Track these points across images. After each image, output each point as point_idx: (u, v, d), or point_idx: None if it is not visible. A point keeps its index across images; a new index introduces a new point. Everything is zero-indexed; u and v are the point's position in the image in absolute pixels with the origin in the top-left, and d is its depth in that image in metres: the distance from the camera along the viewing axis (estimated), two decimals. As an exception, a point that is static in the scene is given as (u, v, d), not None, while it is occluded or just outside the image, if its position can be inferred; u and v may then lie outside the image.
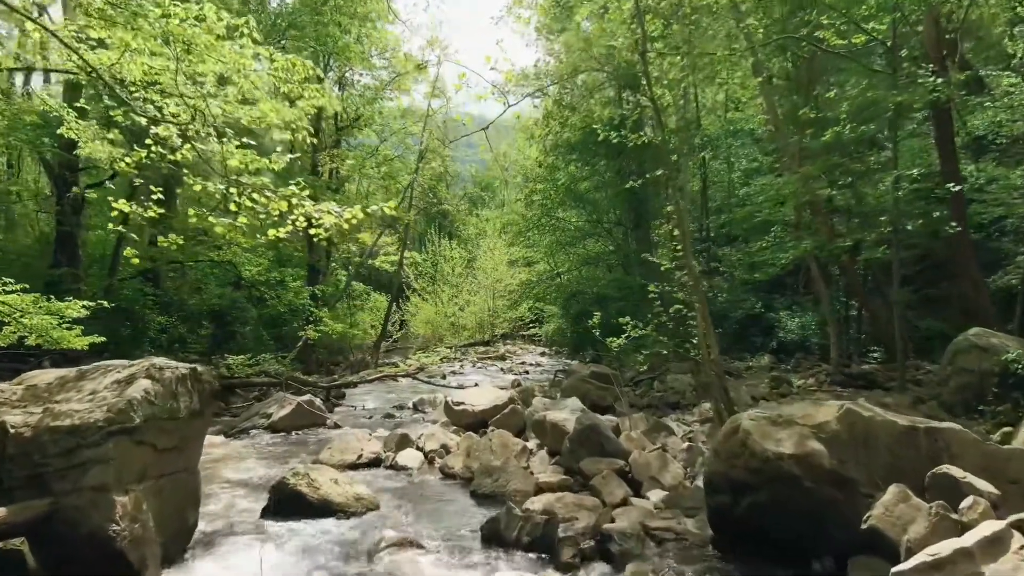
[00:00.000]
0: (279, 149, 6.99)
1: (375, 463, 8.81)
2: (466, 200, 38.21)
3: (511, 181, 29.28)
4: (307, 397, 11.60)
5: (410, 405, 15.09)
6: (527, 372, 21.94)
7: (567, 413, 8.79)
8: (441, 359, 20.03)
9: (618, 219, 18.99)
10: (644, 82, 8.13)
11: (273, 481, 7.27)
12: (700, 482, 6.92)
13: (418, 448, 9.30)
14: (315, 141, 24.63)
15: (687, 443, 8.24)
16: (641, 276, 16.54)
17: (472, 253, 33.83)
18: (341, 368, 22.65)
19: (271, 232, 6.02)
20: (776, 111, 12.98)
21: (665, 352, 9.60)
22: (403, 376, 17.01)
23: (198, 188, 5.96)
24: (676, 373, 13.28)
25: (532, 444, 9.26)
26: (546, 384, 18.31)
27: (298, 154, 23.23)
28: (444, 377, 20.24)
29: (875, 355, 13.89)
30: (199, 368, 6.34)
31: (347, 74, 25.08)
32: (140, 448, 5.45)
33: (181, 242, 7.11)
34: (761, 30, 9.36)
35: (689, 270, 7.53)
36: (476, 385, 18.32)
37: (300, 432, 11.01)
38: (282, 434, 10.92)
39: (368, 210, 5.75)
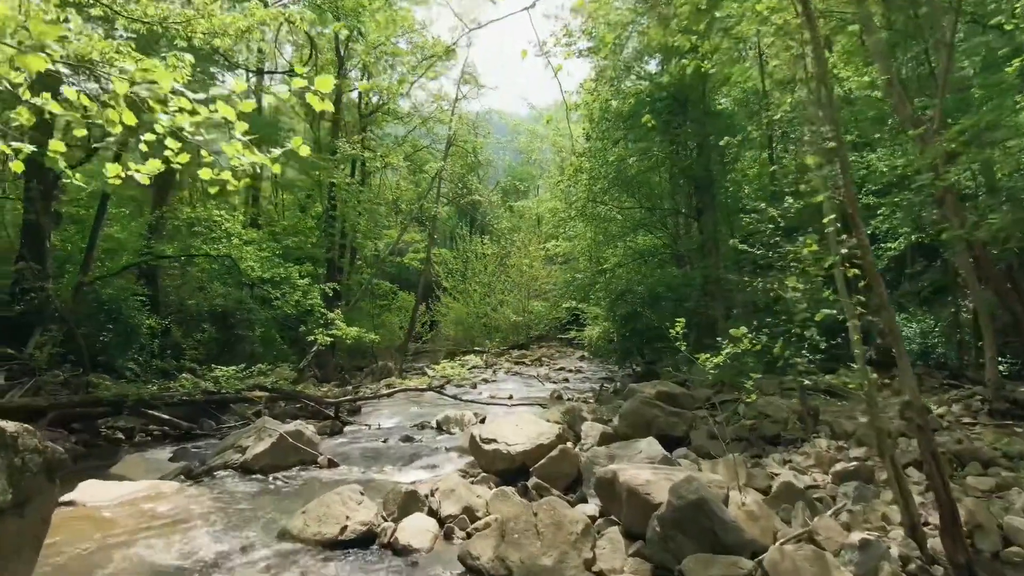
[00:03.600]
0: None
1: (366, 540, 5.74)
2: (499, 191, 34.92)
3: (547, 173, 26.06)
4: (293, 426, 8.59)
5: (433, 424, 12.21)
6: (567, 380, 18.82)
7: (647, 471, 5.63)
8: (469, 369, 16.94)
9: (676, 206, 15.68)
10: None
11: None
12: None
13: (430, 512, 6.22)
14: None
15: (848, 529, 5.00)
16: (705, 272, 13.27)
17: (506, 249, 30.63)
18: (362, 375, 19.75)
19: (111, 169, 3.02)
20: (890, 68, 9.62)
21: (809, 383, 6.47)
22: (426, 390, 13.95)
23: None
24: (765, 394, 10.02)
25: (592, 507, 6.13)
26: (590, 396, 15.22)
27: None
28: (474, 386, 17.24)
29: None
30: (11, 428, 3.34)
31: (371, 58, 22.06)
32: None
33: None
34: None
35: (865, 264, 4.35)
36: (510, 397, 15.31)
37: (281, 474, 8.02)
38: (257, 476, 7.94)
39: (282, 92, 2.82)
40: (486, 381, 18.55)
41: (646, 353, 16.93)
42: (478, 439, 7.50)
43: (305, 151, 3.35)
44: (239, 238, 13.89)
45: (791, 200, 8.33)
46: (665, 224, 16.07)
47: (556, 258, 25.82)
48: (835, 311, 5.04)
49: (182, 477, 7.97)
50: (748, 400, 6.21)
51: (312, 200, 23.02)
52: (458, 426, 11.77)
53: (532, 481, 6.70)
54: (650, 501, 5.13)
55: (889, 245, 10.72)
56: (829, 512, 5.32)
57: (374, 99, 24.49)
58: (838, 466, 6.91)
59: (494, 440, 7.37)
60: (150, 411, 10.77)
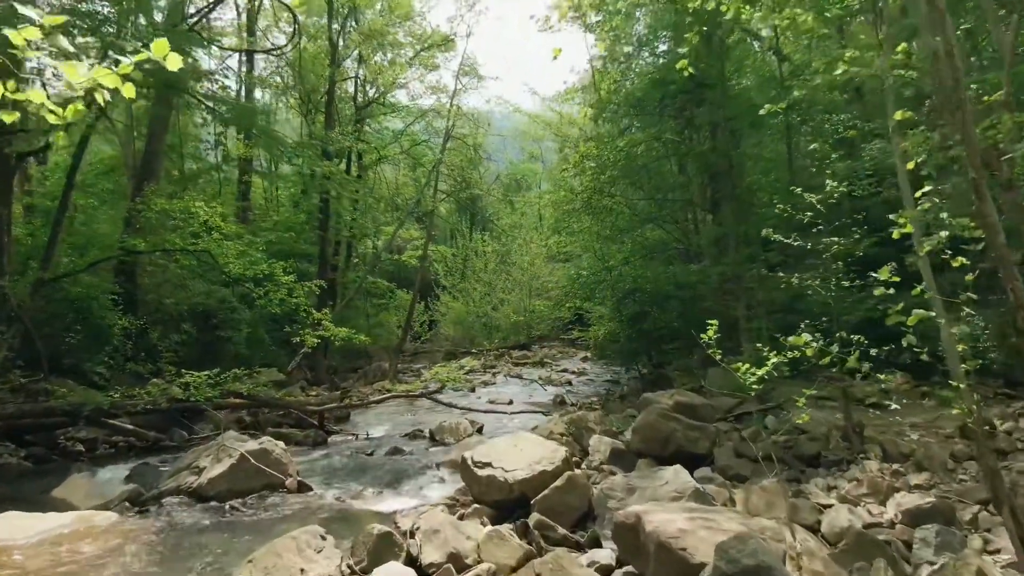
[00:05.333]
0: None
1: (325, 601, 4.46)
2: (500, 184, 33.47)
3: (551, 165, 24.69)
4: (258, 444, 7.28)
5: (426, 433, 11.03)
6: (570, 383, 17.54)
7: (680, 515, 4.34)
8: (466, 373, 15.68)
9: (689, 197, 14.32)
10: None
11: None
12: None
13: (408, 559, 4.94)
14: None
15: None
16: (725, 268, 11.96)
17: (506, 246, 29.29)
18: (355, 378, 18.47)
19: None
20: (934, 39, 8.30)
21: (889, 401, 5.18)
22: (419, 396, 12.68)
23: None
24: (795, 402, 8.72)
25: (606, 554, 4.86)
26: (596, 401, 13.94)
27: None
28: (473, 390, 15.96)
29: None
30: None
31: (368, 49, 20.74)
32: None
33: None
34: None
35: (997, 250, 3.10)
36: (510, 403, 14.04)
37: (241, 501, 6.72)
38: (212, 504, 6.65)
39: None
40: (485, 384, 17.28)
41: (654, 355, 15.65)
42: (470, 462, 6.21)
43: (175, 63, 2.09)
44: (219, 232, 12.62)
45: (833, 184, 7.09)
46: (676, 217, 14.73)
47: (559, 255, 24.51)
48: (932, 312, 3.75)
49: (126, 504, 6.72)
50: (799, 420, 4.91)
51: (307, 195, 21.75)
52: (452, 436, 10.62)
53: (534, 518, 5.40)
54: (688, 560, 3.85)
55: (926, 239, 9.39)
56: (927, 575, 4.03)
57: (370, 92, 23.20)
58: (899, 496, 5.65)
59: (489, 464, 6.07)
60: (112, 421, 9.53)
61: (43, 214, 13.68)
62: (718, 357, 5.09)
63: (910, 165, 3.92)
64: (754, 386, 4.93)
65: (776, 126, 13.46)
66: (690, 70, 5.70)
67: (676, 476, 5.46)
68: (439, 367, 15.46)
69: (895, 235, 3.91)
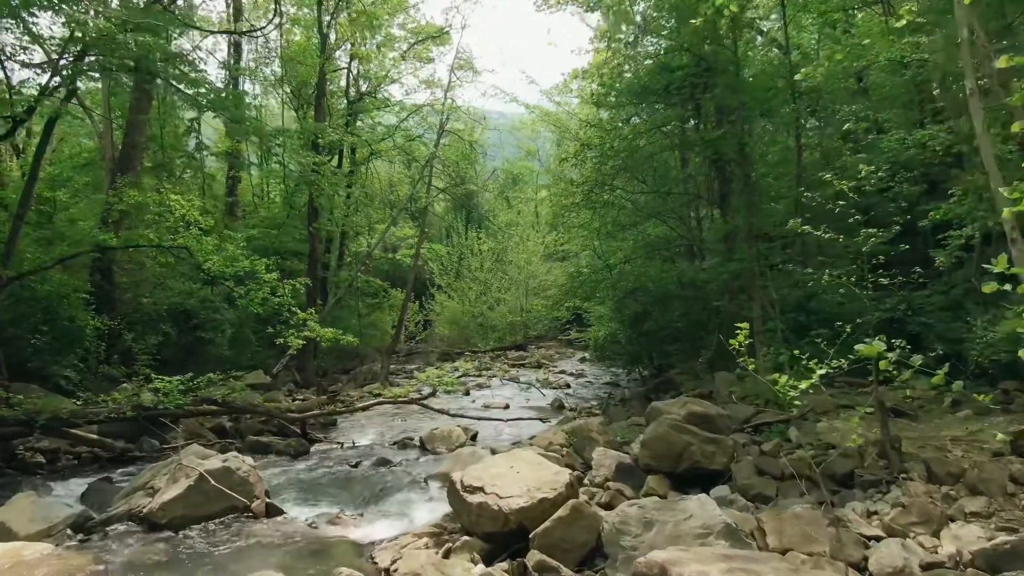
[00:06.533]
0: None
1: (275, 669, 3.56)
2: (496, 180, 32.52)
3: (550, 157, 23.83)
4: (221, 461, 6.34)
5: (416, 441, 10.19)
6: (568, 386, 16.71)
7: (714, 564, 3.46)
8: (461, 375, 14.82)
9: (696, 190, 13.44)
10: None
11: None
12: None
13: (383, 610, 4.05)
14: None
15: None
16: (739, 266, 11.11)
17: (502, 244, 28.42)
18: (346, 380, 17.55)
19: None
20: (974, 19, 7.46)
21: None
22: (409, 402, 11.79)
23: None
24: (822, 415, 7.84)
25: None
26: (595, 405, 13.11)
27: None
28: (467, 393, 15.11)
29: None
30: None
31: (357, 32, 19.76)
32: None
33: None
34: None
35: None
36: (506, 407, 13.18)
37: (198, 529, 5.80)
38: (165, 533, 5.72)
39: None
40: (480, 387, 16.41)
41: (656, 357, 14.79)
42: (460, 487, 5.30)
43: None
44: (197, 227, 11.70)
45: (868, 169, 6.26)
46: (679, 213, 13.84)
47: (556, 253, 23.60)
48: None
49: (68, 532, 5.79)
50: (852, 443, 4.03)
51: (298, 190, 20.76)
52: (444, 444, 9.83)
53: (533, 557, 4.51)
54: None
55: (957, 233, 8.54)
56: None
57: (363, 86, 22.28)
58: (955, 527, 4.84)
59: (481, 489, 5.16)
60: (72, 430, 8.60)
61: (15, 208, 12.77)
62: (751, 367, 4.20)
63: (1016, 126, 3.02)
64: (795, 402, 4.05)
65: (786, 116, 12.64)
66: (729, 9, 4.78)
67: (702, 508, 4.55)
68: (432, 370, 14.56)
69: (1006, 214, 3.02)
